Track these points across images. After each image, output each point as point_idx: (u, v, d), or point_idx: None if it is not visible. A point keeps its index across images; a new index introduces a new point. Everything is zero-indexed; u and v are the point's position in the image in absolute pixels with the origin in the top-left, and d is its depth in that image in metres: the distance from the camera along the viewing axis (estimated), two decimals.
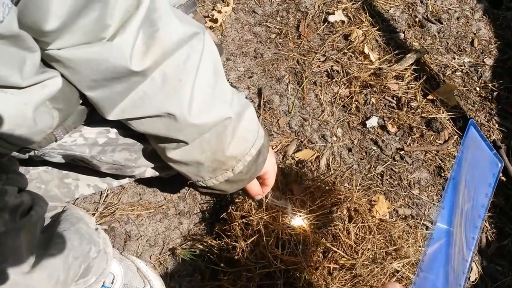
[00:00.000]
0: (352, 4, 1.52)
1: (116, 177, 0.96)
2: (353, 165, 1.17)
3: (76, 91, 0.63)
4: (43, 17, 0.50)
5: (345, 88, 1.31)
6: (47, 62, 0.60)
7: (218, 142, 0.73)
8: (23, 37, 0.51)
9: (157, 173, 0.89)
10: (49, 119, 0.61)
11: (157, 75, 0.63)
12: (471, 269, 1.02)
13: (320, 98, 1.29)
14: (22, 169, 0.86)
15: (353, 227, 0.91)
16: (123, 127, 0.74)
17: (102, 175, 0.94)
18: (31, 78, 0.55)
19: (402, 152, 1.20)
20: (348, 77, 1.32)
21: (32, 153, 0.71)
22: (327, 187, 1.01)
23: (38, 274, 0.62)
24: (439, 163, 1.19)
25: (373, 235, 0.92)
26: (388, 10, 1.53)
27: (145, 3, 0.59)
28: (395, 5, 1.55)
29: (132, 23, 0.58)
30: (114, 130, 0.78)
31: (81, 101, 0.67)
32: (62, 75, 0.61)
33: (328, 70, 1.35)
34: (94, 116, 0.70)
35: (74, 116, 0.67)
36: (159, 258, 1.00)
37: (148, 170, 0.87)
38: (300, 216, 0.92)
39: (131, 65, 0.59)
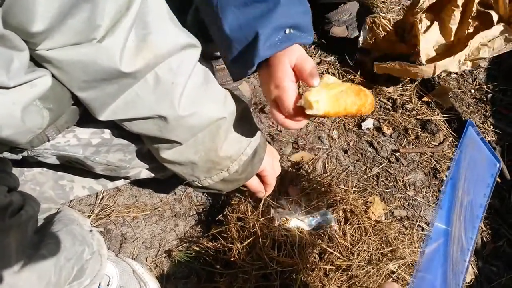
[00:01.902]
0: None
1: (111, 178, 0.96)
2: (349, 167, 1.17)
3: (68, 90, 0.63)
4: (29, 19, 0.50)
5: None
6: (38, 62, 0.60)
7: (211, 142, 0.72)
8: (8, 36, 0.50)
9: (152, 174, 0.89)
10: (39, 119, 0.61)
11: (150, 77, 0.63)
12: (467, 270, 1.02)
13: None
14: (16, 171, 0.85)
15: (349, 228, 0.91)
16: (118, 128, 0.73)
17: (97, 176, 0.94)
18: (19, 77, 0.54)
19: (397, 154, 1.20)
20: (344, 79, 1.32)
21: (25, 154, 0.71)
22: (323, 189, 1.01)
23: (27, 274, 0.61)
24: (434, 165, 1.19)
25: (369, 236, 0.92)
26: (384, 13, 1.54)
27: (136, 5, 0.58)
28: (391, 8, 1.56)
29: (122, 24, 0.57)
30: (108, 131, 0.77)
31: (73, 101, 0.66)
32: (53, 75, 0.60)
33: (324, 72, 1.35)
34: (88, 116, 0.69)
35: (66, 116, 0.67)
36: (155, 260, 0.99)
37: (143, 171, 0.87)
38: (296, 217, 0.92)
39: (120, 66, 0.58)
